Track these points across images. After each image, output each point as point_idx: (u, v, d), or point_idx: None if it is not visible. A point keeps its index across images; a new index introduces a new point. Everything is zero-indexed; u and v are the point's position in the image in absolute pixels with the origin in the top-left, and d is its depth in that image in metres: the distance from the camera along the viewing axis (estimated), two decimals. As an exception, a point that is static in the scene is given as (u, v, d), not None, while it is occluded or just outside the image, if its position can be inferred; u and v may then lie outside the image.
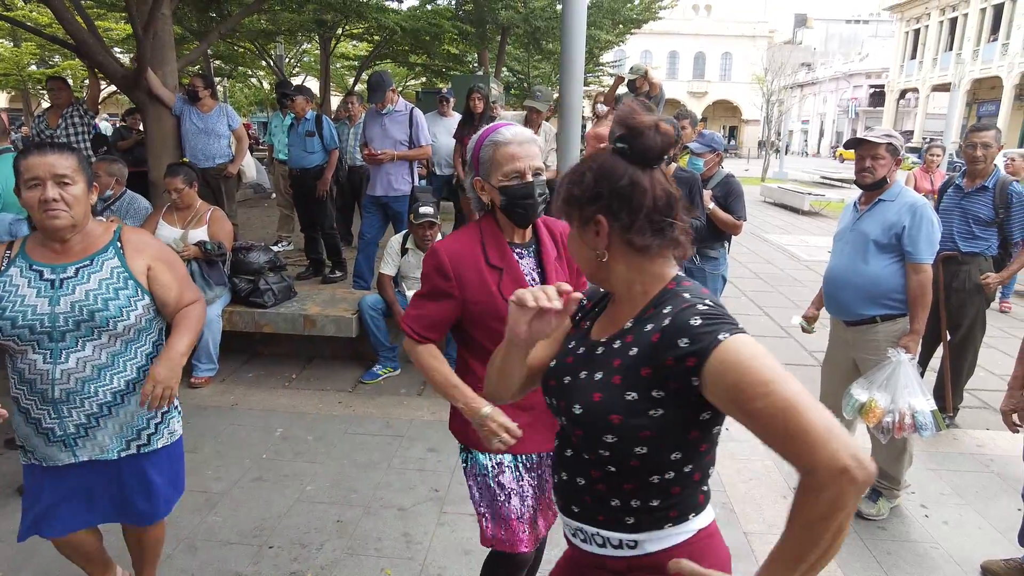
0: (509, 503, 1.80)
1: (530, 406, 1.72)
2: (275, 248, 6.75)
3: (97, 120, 7.24)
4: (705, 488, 1.21)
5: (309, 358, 4.72)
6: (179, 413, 2.14)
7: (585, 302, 1.35)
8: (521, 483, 1.82)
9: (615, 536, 1.19)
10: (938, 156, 7.60)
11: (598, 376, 1.17)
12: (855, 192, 3.14)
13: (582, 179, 1.18)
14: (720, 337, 1.03)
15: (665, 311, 1.12)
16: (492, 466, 1.81)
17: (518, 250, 1.79)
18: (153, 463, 2.01)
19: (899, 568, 2.67)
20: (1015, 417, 2.58)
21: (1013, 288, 6.55)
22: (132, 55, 6.07)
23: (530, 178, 1.67)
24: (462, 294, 1.71)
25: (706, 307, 1.09)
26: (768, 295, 7.23)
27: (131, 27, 5.37)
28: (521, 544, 1.80)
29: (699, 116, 51.91)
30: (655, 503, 1.16)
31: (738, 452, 3.52)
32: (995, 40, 31.93)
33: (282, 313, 4.38)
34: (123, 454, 1.95)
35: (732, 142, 55.38)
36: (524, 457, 1.83)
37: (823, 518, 0.94)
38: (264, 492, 3.05)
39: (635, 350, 1.13)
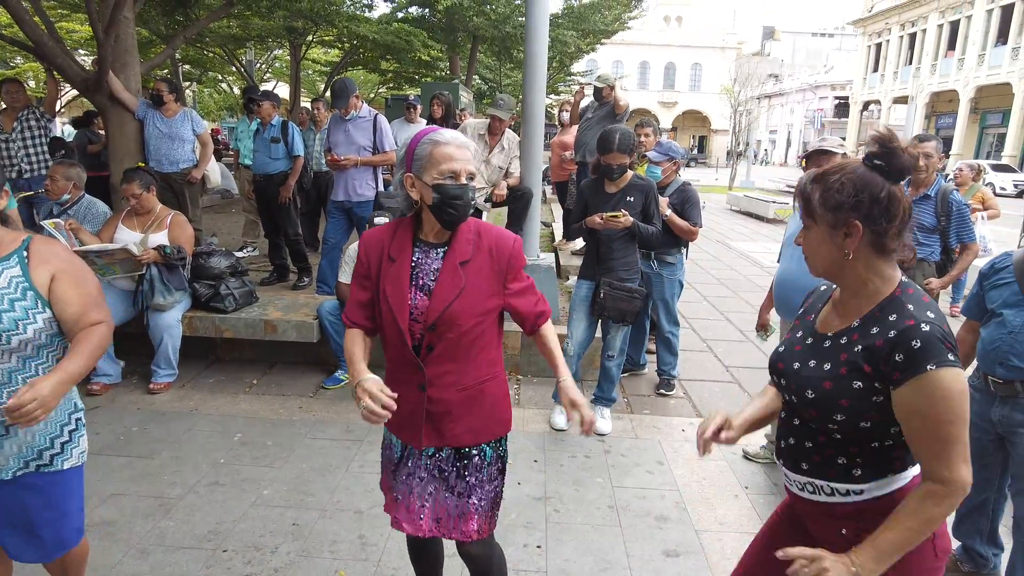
0: (396, 479, 1.91)
1: (402, 395, 1.70)
2: (240, 254, 6.74)
3: (59, 123, 7.12)
4: (908, 452, 1.40)
5: (271, 363, 4.70)
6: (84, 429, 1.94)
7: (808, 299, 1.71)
8: (412, 472, 1.87)
9: (843, 487, 1.42)
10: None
11: (827, 367, 1.39)
12: None
13: (842, 187, 1.34)
14: (928, 367, 1.26)
15: (891, 318, 1.33)
16: (390, 443, 1.94)
17: (428, 248, 1.78)
18: (56, 484, 1.84)
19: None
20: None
21: (963, 293, 6.79)
22: (94, 58, 5.98)
23: (464, 180, 1.70)
24: (376, 278, 1.79)
25: (926, 330, 1.28)
26: (729, 300, 7.39)
27: (92, 29, 5.31)
28: (398, 525, 1.89)
29: (670, 126, 52.52)
30: (878, 461, 1.39)
31: (692, 452, 3.61)
32: (951, 56, 33.01)
33: (243, 318, 4.37)
34: (20, 474, 1.78)
35: (701, 152, 56.30)
36: (411, 449, 1.87)
37: (942, 516, 1.29)
38: (220, 496, 3.04)
39: (859, 347, 1.35)
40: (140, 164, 4.81)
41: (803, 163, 3.27)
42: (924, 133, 4.30)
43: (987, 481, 2.56)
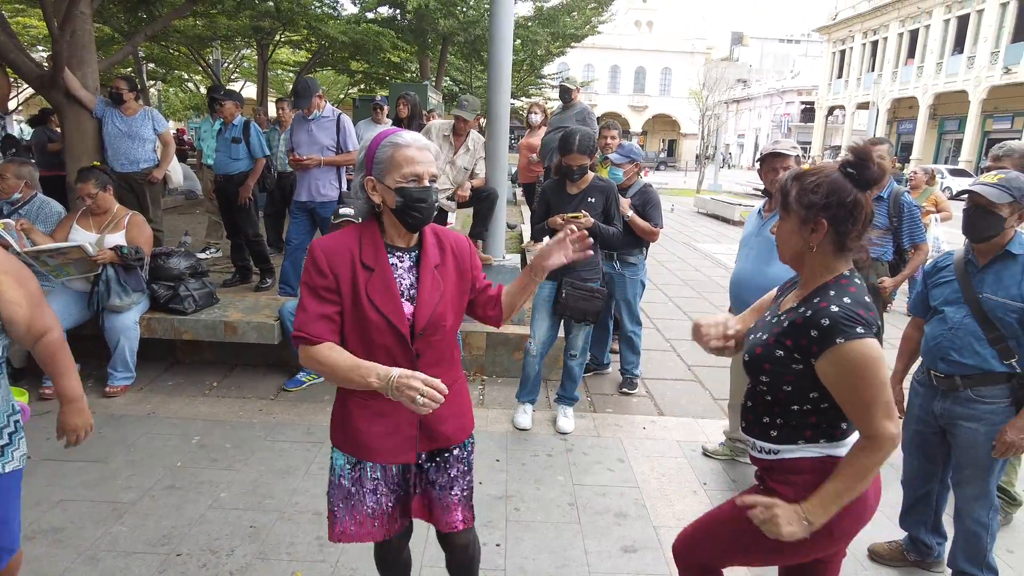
0: (363, 502, 1.81)
1: (387, 412, 1.73)
2: (203, 255, 6.63)
3: (14, 121, 6.93)
4: (844, 426, 1.59)
5: (231, 366, 4.64)
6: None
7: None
8: (376, 488, 1.82)
9: (763, 444, 1.66)
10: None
11: (763, 336, 1.63)
12: None
13: (816, 189, 1.53)
14: (838, 341, 1.46)
15: (815, 301, 1.54)
16: (347, 466, 1.82)
17: (398, 253, 1.75)
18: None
19: (796, 555, 2.82)
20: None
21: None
22: (50, 54, 5.84)
23: (427, 183, 1.67)
24: (338, 287, 1.68)
25: (834, 311, 1.48)
26: (694, 301, 7.49)
27: (46, 25, 5.19)
28: (371, 536, 1.85)
29: (640, 130, 52.95)
30: (794, 426, 1.61)
31: (653, 450, 3.66)
32: (911, 63, 33.95)
33: (202, 320, 4.30)
34: None
35: (671, 156, 56.96)
36: (382, 467, 1.81)
37: (874, 466, 1.48)
38: (176, 500, 2.99)
39: (787, 323, 1.57)
40: (96, 163, 4.70)
41: (759, 165, 3.34)
42: (877, 136, 4.43)
43: (931, 473, 2.65)
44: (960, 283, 2.44)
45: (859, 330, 1.46)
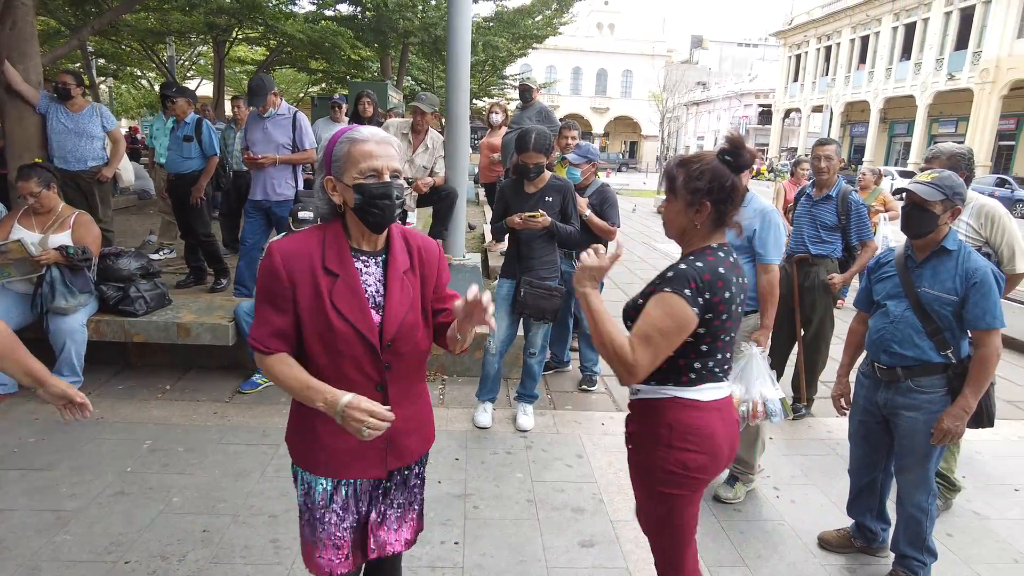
0: (329, 526, 1.69)
1: None
2: (156, 256, 6.46)
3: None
4: (692, 375, 1.80)
5: (185, 368, 4.53)
6: None
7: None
8: (346, 507, 1.71)
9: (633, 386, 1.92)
10: (806, 170, 8.27)
11: (637, 293, 1.85)
12: None
13: (700, 175, 1.74)
14: (665, 289, 1.71)
15: (679, 262, 1.77)
16: (320, 490, 1.68)
17: (364, 258, 1.64)
18: None
19: (749, 545, 2.89)
20: (842, 401, 2.88)
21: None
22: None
23: (387, 178, 1.56)
24: (294, 295, 1.57)
25: (682, 267, 1.73)
26: (653, 299, 7.60)
27: (-14, 17, 4.98)
28: (336, 568, 1.69)
29: (602, 131, 53.38)
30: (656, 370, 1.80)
31: (611, 445, 3.70)
32: (862, 68, 35.05)
33: (154, 321, 4.19)
34: None
35: (632, 157, 57.63)
36: (355, 482, 1.71)
37: (620, 377, 1.75)
38: (124, 506, 2.91)
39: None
40: (37, 160, 4.54)
41: None
42: (825, 138, 4.55)
43: (875, 462, 2.74)
44: (901, 278, 2.53)
45: (687, 291, 1.69)
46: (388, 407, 1.56)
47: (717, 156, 1.74)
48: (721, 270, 1.73)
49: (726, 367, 1.87)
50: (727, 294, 1.73)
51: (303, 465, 1.70)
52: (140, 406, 3.95)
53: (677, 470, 1.78)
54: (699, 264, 1.72)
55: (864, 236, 4.17)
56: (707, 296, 1.70)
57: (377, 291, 1.64)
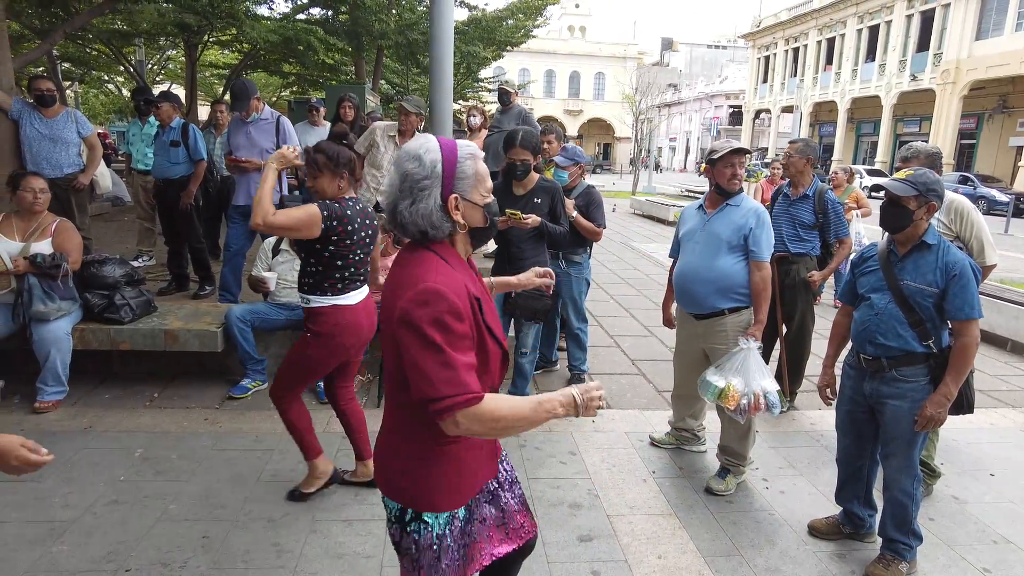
0: (482, 531, 1.67)
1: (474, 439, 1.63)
2: (136, 263, 6.36)
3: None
4: (340, 285, 2.81)
5: (172, 376, 4.48)
6: None
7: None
8: (470, 527, 1.65)
9: (303, 295, 2.88)
10: (778, 170, 8.47)
11: None
12: None
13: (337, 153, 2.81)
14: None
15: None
16: (448, 524, 1.58)
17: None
18: None
19: (743, 535, 2.97)
20: (828, 392, 2.98)
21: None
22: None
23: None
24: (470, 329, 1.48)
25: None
26: (634, 298, 7.71)
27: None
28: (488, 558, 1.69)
29: (576, 133, 53.61)
30: (312, 282, 2.81)
31: (603, 443, 3.76)
32: (829, 70, 35.81)
33: (140, 329, 4.15)
34: None
35: (606, 159, 58.02)
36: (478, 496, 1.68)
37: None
38: (120, 515, 2.88)
39: None
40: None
41: (711, 165, 3.38)
42: (796, 138, 4.66)
43: (862, 451, 2.84)
44: (884, 272, 2.63)
45: (324, 211, 2.66)
46: None
47: (337, 141, 2.93)
48: (349, 212, 2.74)
49: (362, 277, 2.89)
50: (351, 227, 2.72)
51: (447, 506, 1.57)
52: (128, 415, 3.91)
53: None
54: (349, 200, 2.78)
55: (841, 233, 4.30)
56: (334, 223, 2.67)
57: None
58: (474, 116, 7.28)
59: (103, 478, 3.18)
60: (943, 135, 26.84)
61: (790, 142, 4.41)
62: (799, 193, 4.30)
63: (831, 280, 4.79)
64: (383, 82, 18.19)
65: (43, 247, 3.96)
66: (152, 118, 6.43)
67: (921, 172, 2.56)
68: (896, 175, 2.63)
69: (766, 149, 40.54)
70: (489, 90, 22.93)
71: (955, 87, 26.71)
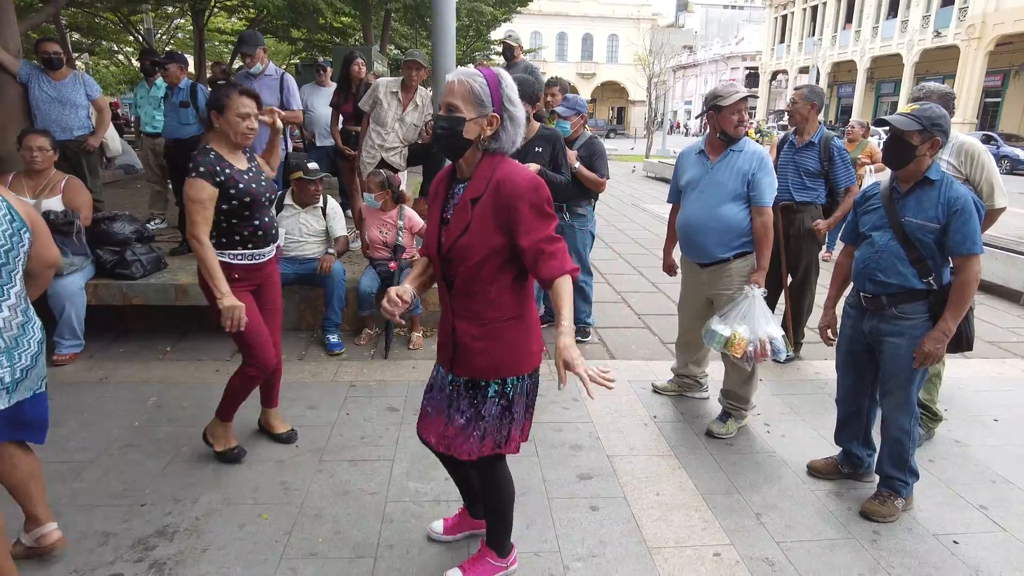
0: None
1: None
2: (148, 226, 6.44)
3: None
4: (223, 240, 2.78)
5: (184, 330, 4.58)
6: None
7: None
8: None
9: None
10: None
11: None
12: None
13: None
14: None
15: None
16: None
17: (458, 184, 1.93)
18: None
19: (742, 475, 3.01)
20: (828, 332, 2.98)
21: (836, 240, 7.26)
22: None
23: (443, 112, 1.85)
24: None
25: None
26: (643, 256, 7.69)
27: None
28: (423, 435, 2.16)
29: (589, 97, 52.60)
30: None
31: (605, 390, 3.78)
32: (849, 28, 34.80)
33: (152, 284, 4.23)
34: None
35: (620, 123, 57.15)
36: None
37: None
38: (135, 456, 2.98)
39: None
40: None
41: (717, 111, 3.27)
42: (802, 85, 4.56)
43: (861, 390, 2.85)
44: (886, 209, 2.61)
45: (193, 174, 2.60)
46: (452, 318, 1.95)
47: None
48: (213, 156, 2.69)
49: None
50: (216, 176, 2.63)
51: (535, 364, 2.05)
52: (142, 367, 4.01)
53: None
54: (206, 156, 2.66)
55: (847, 181, 4.22)
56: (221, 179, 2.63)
57: (445, 216, 1.94)
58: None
59: (118, 424, 3.29)
60: (967, 93, 26.11)
61: (795, 88, 4.33)
62: (804, 141, 4.23)
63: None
64: (391, 46, 17.98)
65: (54, 204, 4.02)
66: (159, 80, 6.45)
67: (927, 107, 2.51)
68: (901, 109, 2.59)
69: (782, 112, 39.73)
70: (499, 53, 22.60)
71: (980, 43, 25.88)
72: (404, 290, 1.97)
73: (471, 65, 1.93)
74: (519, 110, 1.84)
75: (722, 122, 3.21)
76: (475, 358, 1.94)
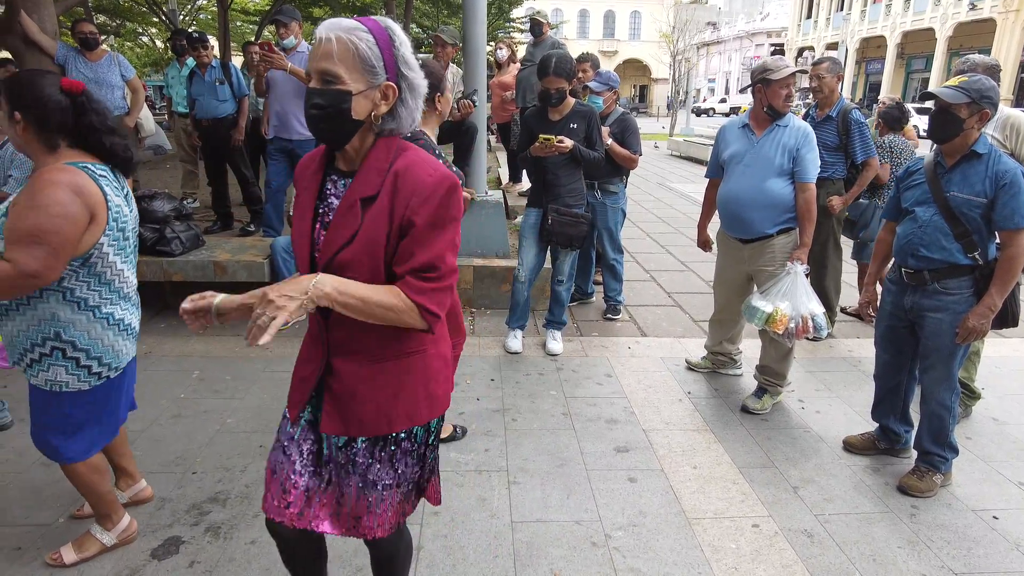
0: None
1: None
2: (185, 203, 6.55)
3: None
4: None
5: (223, 307, 4.67)
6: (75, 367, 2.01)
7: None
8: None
9: None
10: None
11: None
12: None
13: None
14: None
15: None
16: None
17: (338, 178, 1.42)
18: (31, 392, 2.03)
19: (778, 450, 3.03)
20: (869, 309, 2.97)
21: (870, 251, 7.08)
22: None
23: (314, 84, 1.31)
24: None
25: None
26: (670, 236, 7.65)
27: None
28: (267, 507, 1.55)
29: (611, 75, 51.99)
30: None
31: (638, 367, 3.83)
32: (880, 1, 33.87)
33: (191, 261, 4.32)
34: (17, 364, 2.02)
35: (643, 101, 56.38)
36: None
37: None
38: (184, 427, 3.08)
39: None
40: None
41: (765, 85, 3.22)
42: (820, 57, 4.48)
43: (900, 366, 2.85)
44: (929, 184, 2.58)
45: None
46: (327, 355, 1.43)
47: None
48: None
49: None
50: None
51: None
52: (184, 341, 4.11)
53: None
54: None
55: (868, 153, 4.14)
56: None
57: (325, 216, 1.41)
58: (501, 49, 7.16)
59: (165, 396, 3.39)
60: (1003, 68, 25.31)
61: (813, 64, 4.25)
62: (823, 114, 4.18)
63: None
64: (413, 25, 17.91)
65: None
66: (190, 60, 6.52)
67: (976, 78, 2.46)
68: (948, 82, 2.55)
69: (807, 90, 38.94)
70: (521, 30, 22.38)
71: (1018, 15, 25.09)
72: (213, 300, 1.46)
73: (375, 19, 1.33)
74: (418, 75, 1.36)
75: (770, 96, 3.19)
76: (360, 407, 1.42)
